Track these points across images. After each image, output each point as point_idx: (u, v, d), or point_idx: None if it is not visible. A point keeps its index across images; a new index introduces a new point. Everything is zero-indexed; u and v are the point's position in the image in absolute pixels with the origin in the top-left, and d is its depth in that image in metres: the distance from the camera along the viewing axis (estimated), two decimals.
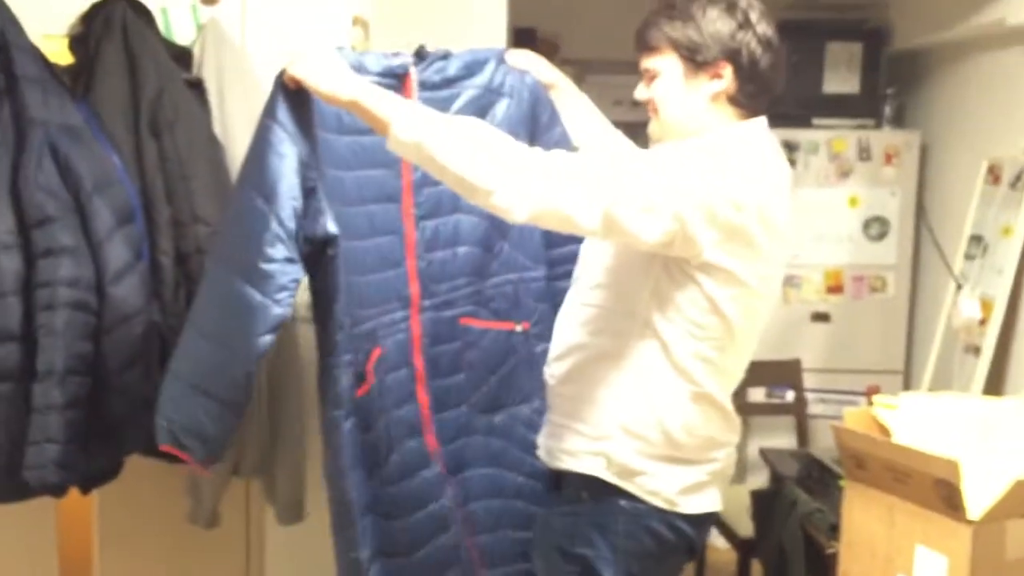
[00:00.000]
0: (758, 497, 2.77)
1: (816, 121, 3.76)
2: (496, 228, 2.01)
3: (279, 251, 1.67)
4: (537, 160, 1.58)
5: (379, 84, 1.73)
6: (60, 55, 2.10)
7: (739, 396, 1.85)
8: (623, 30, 2.06)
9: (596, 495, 1.75)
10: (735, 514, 2.93)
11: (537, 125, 2.04)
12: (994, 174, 3.07)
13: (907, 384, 3.73)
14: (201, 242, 2.07)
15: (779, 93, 1.77)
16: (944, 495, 1.78)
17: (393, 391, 1.90)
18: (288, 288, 1.69)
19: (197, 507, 2.37)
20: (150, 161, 2.06)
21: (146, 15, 2.17)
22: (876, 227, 3.74)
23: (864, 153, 3.72)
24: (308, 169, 1.70)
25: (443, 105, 1.92)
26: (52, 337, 1.81)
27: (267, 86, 1.69)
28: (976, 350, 2.92)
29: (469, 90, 1.98)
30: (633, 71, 1.81)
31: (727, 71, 1.69)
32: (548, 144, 1.95)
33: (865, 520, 1.98)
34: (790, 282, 3.74)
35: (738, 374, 1.80)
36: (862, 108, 3.77)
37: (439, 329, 1.98)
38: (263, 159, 1.67)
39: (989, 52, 3.24)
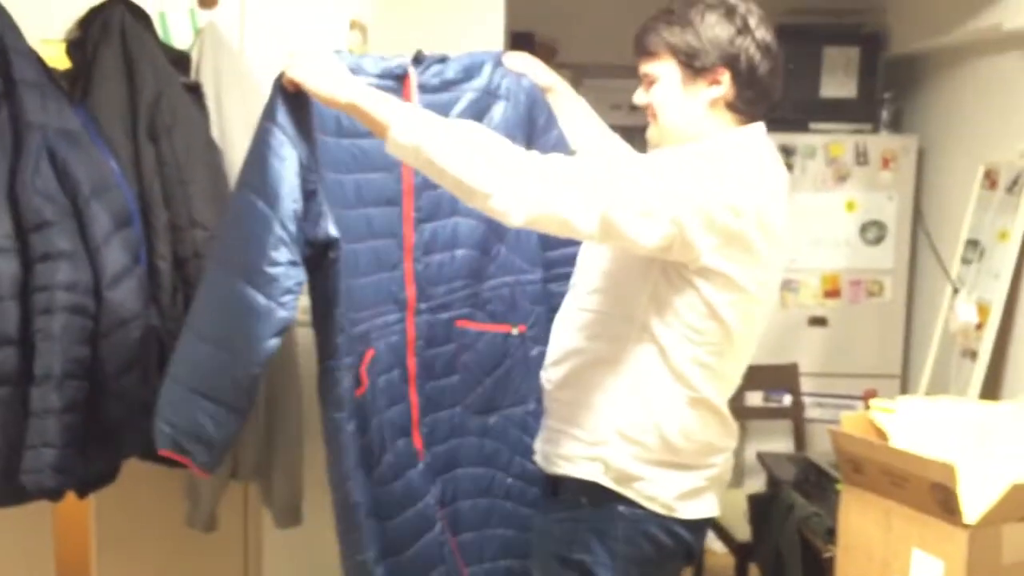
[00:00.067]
0: (755, 501, 2.77)
1: (813, 125, 3.75)
2: (493, 231, 2.01)
3: (283, 254, 1.66)
4: (535, 164, 1.58)
5: (378, 87, 1.73)
6: (58, 59, 2.10)
7: (736, 400, 1.85)
8: (620, 34, 2.06)
9: (595, 501, 1.74)
10: (732, 518, 2.93)
11: (534, 128, 2.04)
12: (991, 178, 3.07)
13: (904, 388, 3.72)
14: (199, 246, 2.07)
15: (777, 99, 1.76)
16: (941, 499, 1.78)
17: (385, 392, 1.91)
18: (292, 291, 1.68)
19: (195, 511, 2.36)
20: (148, 165, 2.06)
21: (144, 19, 2.18)
22: (873, 231, 3.74)
23: (861, 157, 3.71)
24: (308, 172, 1.69)
25: (444, 109, 1.92)
26: (49, 341, 1.81)
27: (265, 90, 1.69)
28: (973, 354, 2.92)
29: (468, 93, 1.99)
30: (630, 75, 1.81)
31: (725, 77, 1.69)
32: (545, 147, 1.96)
33: (862, 524, 1.98)
34: (787, 286, 3.73)
35: (736, 379, 1.80)
36: (859, 112, 3.76)
37: (434, 331, 1.98)
38: (264, 162, 1.66)
39: (986, 57, 3.24)
